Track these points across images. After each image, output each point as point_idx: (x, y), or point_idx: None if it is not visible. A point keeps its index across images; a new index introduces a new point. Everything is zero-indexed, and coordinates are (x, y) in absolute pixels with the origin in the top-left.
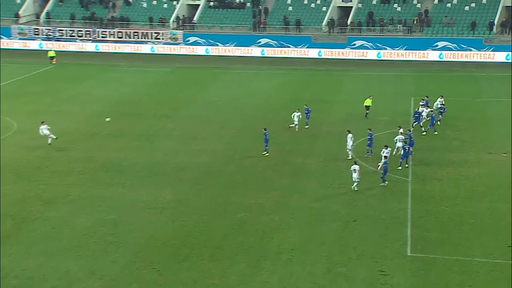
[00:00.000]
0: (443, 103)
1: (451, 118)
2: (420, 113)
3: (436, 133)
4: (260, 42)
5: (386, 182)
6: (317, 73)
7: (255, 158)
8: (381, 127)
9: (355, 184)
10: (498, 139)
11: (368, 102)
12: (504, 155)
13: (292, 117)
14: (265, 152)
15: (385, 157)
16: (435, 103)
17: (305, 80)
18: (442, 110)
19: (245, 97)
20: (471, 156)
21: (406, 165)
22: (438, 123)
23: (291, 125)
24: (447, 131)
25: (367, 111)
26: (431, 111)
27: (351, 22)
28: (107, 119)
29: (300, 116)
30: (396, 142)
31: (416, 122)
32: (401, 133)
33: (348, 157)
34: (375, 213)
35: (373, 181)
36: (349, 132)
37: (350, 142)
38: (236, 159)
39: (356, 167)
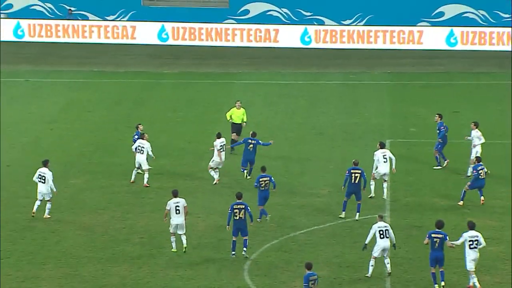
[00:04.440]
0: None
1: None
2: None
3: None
4: None
5: None
6: (159, 82)
7: None
8: (313, 212)
9: None
10: None
11: (237, 115)
12: None
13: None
14: None
15: None
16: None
17: (128, 99)
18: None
19: None
20: None
21: None
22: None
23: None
24: (470, 220)
25: (236, 137)
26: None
27: None
28: None
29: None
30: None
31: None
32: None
33: None
34: None
35: None
36: None
37: None
38: None
39: None
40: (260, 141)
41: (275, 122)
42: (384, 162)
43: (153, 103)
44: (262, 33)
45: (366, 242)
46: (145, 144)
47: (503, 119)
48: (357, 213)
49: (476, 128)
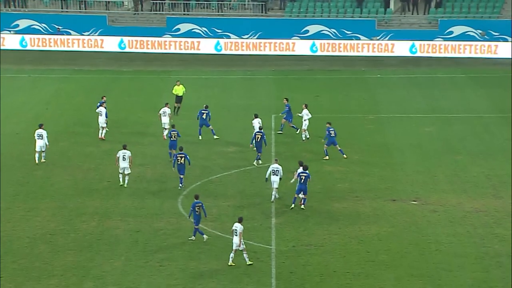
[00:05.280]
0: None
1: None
2: None
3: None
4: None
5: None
6: (119, 77)
7: None
8: (224, 163)
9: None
10: (405, 178)
11: (179, 89)
12: (414, 202)
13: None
14: None
15: None
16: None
17: (99, 88)
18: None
19: None
20: (365, 204)
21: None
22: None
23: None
24: (326, 167)
25: (178, 105)
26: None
27: None
28: None
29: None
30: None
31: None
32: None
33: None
34: None
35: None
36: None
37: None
38: None
39: (238, 226)
40: (209, 114)
41: (198, 103)
42: (259, 127)
43: (116, 91)
44: (189, 44)
45: (266, 176)
46: (102, 110)
47: (347, 100)
48: (258, 160)
49: (306, 108)
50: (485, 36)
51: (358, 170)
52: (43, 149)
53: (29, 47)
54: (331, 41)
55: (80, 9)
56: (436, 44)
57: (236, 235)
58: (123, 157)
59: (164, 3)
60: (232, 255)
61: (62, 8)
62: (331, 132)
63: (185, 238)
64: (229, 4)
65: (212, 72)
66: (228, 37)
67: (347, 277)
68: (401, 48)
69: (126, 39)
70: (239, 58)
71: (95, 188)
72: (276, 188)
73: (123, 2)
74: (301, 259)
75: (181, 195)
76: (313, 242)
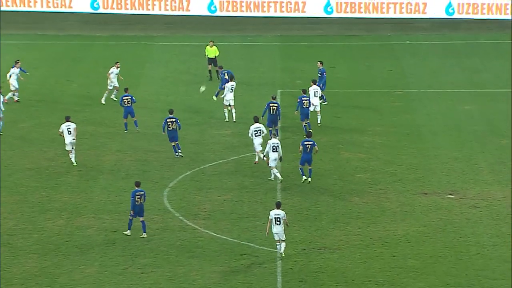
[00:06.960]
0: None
1: (348, 129)
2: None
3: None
4: None
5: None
6: (92, 43)
7: None
8: (220, 148)
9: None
10: (439, 166)
11: (211, 51)
12: (451, 196)
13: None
14: None
15: None
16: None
17: (67, 57)
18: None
19: None
20: (391, 199)
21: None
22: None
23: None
24: (343, 153)
25: (216, 68)
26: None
27: None
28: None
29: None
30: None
31: None
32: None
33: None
34: None
35: None
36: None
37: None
38: None
39: (281, 212)
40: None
41: (188, 77)
42: (230, 92)
43: (88, 60)
44: (177, 3)
45: (264, 153)
46: (15, 71)
47: (369, 72)
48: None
49: (314, 84)
50: None
51: (382, 157)
52: None
53: None
54: (349, 0)
55: None
56: (478, 4)
57: (279, 224)
58: (68, 131)
59: None
60: (279, 247)
61: None
62: (304, 102)
63: (172, 239)
64: None
65: (205, 38)
66: None
67: (369, 287)
68: (435, 9)
69: None
70: (237, 20)
71: (62, 179)
72: (274, 166)
73: None
74: (312, 265)
75: (167, 188)
76: (327, 245)
